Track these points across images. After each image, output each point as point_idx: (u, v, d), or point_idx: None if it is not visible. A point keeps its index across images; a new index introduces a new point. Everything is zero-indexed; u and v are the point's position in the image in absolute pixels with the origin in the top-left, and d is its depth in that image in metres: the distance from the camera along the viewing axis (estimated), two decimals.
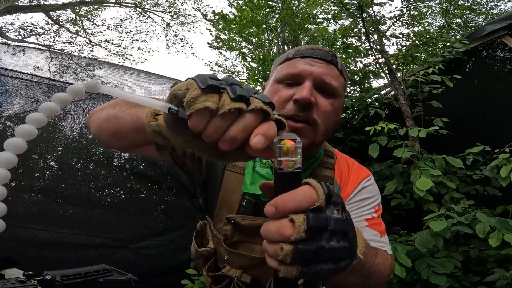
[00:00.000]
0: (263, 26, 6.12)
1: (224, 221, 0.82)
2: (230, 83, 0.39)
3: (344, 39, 3.39)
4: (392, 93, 3.08)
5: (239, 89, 0.38)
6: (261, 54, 5.97)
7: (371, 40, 3.00)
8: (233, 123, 0.38)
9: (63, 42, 9.30)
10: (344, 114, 3.46)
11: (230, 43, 7.37)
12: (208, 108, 0.36)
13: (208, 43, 7.44)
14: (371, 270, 0.59)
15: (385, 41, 3.24)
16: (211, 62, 8.66)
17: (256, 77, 4.79)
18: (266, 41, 6.78)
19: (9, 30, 8.42)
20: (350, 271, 0.46)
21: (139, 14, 10.39)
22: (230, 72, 7.61)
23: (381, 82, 3.50)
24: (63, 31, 9.37)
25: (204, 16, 7.83)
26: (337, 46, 3.68)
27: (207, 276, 0.87)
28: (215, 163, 0.88)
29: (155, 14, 10.41)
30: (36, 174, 2.37)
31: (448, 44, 2.78)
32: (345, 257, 0.41)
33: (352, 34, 3.38)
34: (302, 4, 6.26)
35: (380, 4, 3.18)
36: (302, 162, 0.40)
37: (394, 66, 2.99)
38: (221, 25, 7.34)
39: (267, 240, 0.40)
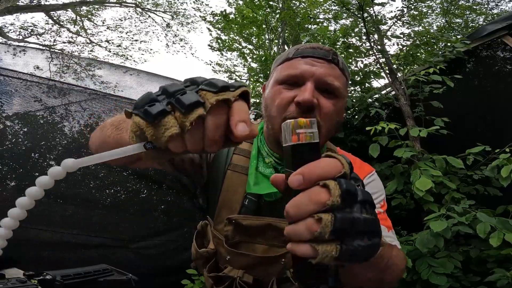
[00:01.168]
0: (264, 26, 6.12)
1: (225, 222, 0.81)
2: (172, 94, 0.38)
3: (345, 39, 3.39)
4: (393, 93, 3.07)
5: (185, 97, 0.36)
6: (261, 54, 5.97)
7: (372, 40, 2.99)
8: (205, 128, 0.37)
9: (64, 42, 9.31)
10: (344, 114, 3.46)
11: (231, 43, 7.37)
12: (173, 135, 0.36)
13: (208, 45, 7.45)
14: (389, 264, 0.57)
15: (385, 41, 3.24)
16: (212, 62, 8.67)
17: (256, 77, 4.79)
18: (267, 41, 6.78)
19: (10, 30, 8.43)
20: (368, 265, 0.44)
21: (139, 14, 10.39)
22: (230, 72, 7.62)
23: (382, 82, 3.50)
24: (64, 31, 9.38)
25: (203, 18, 7.83)
26: (337, 46, 3.67)
27: (208, 277, 0.86)
28: (216, 165, 0.88)
29: (155, 14, 10.41)
30: (36, 174, 2.37)
31: (449, 44, 2.77)
32: (377, 230, 0.38)
33: (353, 34, 3.37)
34: (303, 4, 6.26)
35: (381, 4, 3.18)
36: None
37: (394, 66, 2.98)
38: (221, 25, 7.34)
39: (296, 217, 0.35)
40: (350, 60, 3.29)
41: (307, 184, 0.35)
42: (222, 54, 7.62)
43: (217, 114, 0.37)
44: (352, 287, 0.55)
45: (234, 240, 0.81)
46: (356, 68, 3.36)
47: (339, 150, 0.91)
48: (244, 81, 6.58)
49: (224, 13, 6.97)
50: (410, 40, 3.06)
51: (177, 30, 10.77)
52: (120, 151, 0.40)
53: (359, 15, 2.92)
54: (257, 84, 4.81)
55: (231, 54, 7.66)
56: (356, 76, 3.27)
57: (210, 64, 7.81)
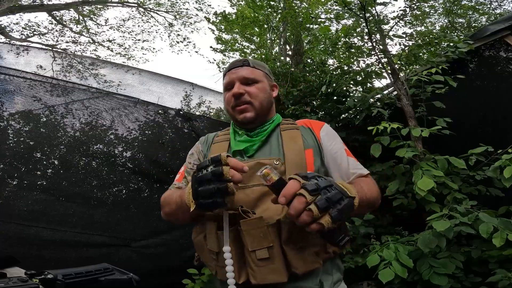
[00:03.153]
0: (265, 26, 6.12)
1: None
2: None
3: (347, 38, 3.38)
4: (395, 93, 3.07)
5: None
6: (263, 53, 5.96)
7: (374, 40, 2.99)
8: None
9: (67, 42, 9.34)
10: (346, 114, 3.45)
11: (233, 43, 7.38)
12: None
13: (211, 47, 7.48)
14: (368, 199, 0.89)
15: (387, 41, 3.23)
16: (215, 60, 8.69)
17: None
18: (268, 40, 6.77)
19: (13, 29, 8.46)
20: (358, 208, 0.74)
21: (142, 13, 10.41)
22: None
23: (384, 82, 3.49)
24: (67, 30, 9.41)
25: (208, 19, 7.84)
26: (339, 46, 3.66)
27: (211, 223, 0.89)
28: None
29: (157, 13, 10.43)
30: (38, 173, 2.38)
31: (451, 44, 2.76)
32: (342, 197, 0.67)
33: (355, 34, 3.37)
34: (304, 4, 6.25)
35: (383, 4, 3.17)
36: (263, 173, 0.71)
37: (396, 66, 2.98)
38: (223, 26, 7.34)
39: (296, 214, 0.65)
40: (352, 60, 3.29)
41: (289, 199, 0.67)
42: (224, 55, 7.64)
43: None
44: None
45: None
46: (358, 68, 3.35)
47: (299, 122, 1.15)
48: None
49: (224, 13, 6.98)
50: (413, 40, 3.06)
51: (180, 30, 10.76)
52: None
53: (361, 15, 2.92)
54: None
55: (233, 54, 7.68)
56: (358, 76, 3.26)
57: (213, 63, 7.85)
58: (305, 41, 5.48)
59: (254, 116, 1.06)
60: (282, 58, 5.61)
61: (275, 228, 0.82)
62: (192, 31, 10.93)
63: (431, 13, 7.89)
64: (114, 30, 10.13)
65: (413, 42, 3.03)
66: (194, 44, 13.95)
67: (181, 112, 3.22)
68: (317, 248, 0.85)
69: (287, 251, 0.81)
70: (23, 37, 8.63)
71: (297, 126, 1.11)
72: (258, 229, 0.81)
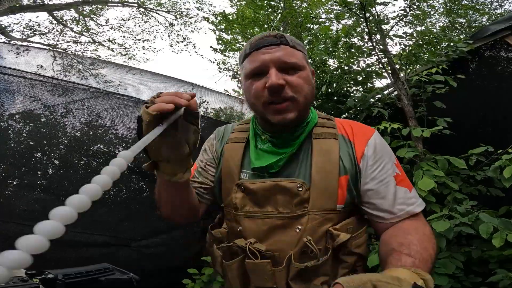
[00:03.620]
0: (265, 26, 6.11)
1: (234, 189, 0.85)
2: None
3: (347, 38, 3.38)
4: (395, 93, 3.06)
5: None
6: None
7: (374, 39, 2.98)
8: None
9: (68, 42, 9.34)
10: (346, 114, 3.45)
11: (233, 43, 7.38)
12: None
13: (211, 47, 7.49)
14: (430, 261, 0.66)
15: (388, 40, 3.22)
16: (216, 60, 8.72)
17: None
18: None
19: (13, 29, 8.46)
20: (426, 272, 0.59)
21: (142, 13, 10.41)
22: (234, 71, 7.64)
23: (384, 82, 3.48)
24: (67, 30, 9.41)
25: (207, 19, 7.85)
26: (339, 46, 3.66)
27: (218, 249, 0.87)
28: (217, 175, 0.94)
29: (157, 13, 10.43)
30: (39, 172, 2.38)
31: (452, 44, 2.76)
32: None
33: (355, 34, 3.36)
34: (305, 4, 6.25)
35: (384, 4, 3.17)
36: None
37: (397, 66, 2.97)
38: (223, 25, 7.35)
39: None
40: (352, 60, 3.29)
41: None
42: (224, 55, 7.65)
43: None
44: None
45: (243, 210, 0.83)
46: (358, 68, 3.35)
47: (337, 120, 0.93)
48: None
49: (224, 13, 6.98)
50: (413, 40, 3.05)
51: (181, 29, 10.77)
52: (151, 135, 0.56)
53: (361, 15, 2.91)
54: None
55: (233, 54, 7.69)
56: (358, 76, 3.26)
57: (214, 62, 7.87)
58: (306, 41, 5.48)
59: (296, 118, 0.80)
60: None
61: (283, 271, 0.76)
62: (192, 31, 10.93)
63: (431, 13, 7.89)
64: (114, 30, 10.13)
65: (414, 42, 3.02)
66: (194, 44, 13.93)
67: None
68: (326, 278, 0.77)
69: (293, 286, 0.77)
70: (24, 37, 8.64)
71: (336, 133, 0.85)
72: (263, 271, 0.76)
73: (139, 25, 10.58)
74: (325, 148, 0.82)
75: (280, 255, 0.78)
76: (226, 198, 0.88)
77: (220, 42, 7.49)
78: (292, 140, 0.84)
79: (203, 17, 8.18)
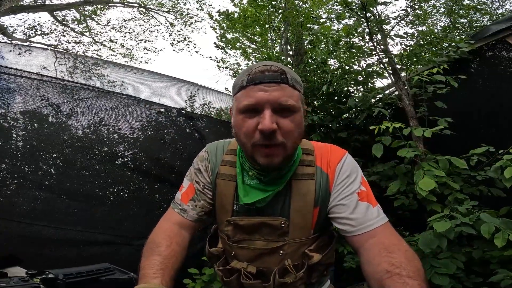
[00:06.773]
0: (266, 25, 6.12)
1: (225, 223, 0.96)
2: None
3: (348, 38, 3.37)
4: (396, 93, 3.06)
5: None
6: (265, 53, 5.96)
7: (375, 40, 2.98)
8: None
9: (69, 42, 9.35)
10: (347, 114, 3.45)
11: (235, 42, 7.40)
12: None
13: (214, 43, 7.51)
14: (426, 280, 0.68)
15: (389, 40, 3.22)
16: (216, 58, 8.76)
17: None
18: (269, 40, 6.77)
19: (15, 30, 8.47)
20: None
21: (143, 14, 10.42)
22: (234, 71, 7.65)
23: (385, 82, 3.48)
24: (69, 30, 9.42)
25: (211, 16, 7.87)
26: (340, 46, 3.65)
27: (219, 270, 1.01)
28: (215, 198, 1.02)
29: (158, 14, 10.43)
30: (40, 172, 2.38)
31: (453, 44, 2.75)
32: None
33: (356, 34, 3.36)
34: (306, 3, 6.25)
35: (385, 4, 3.16)
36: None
37: (398, 66, 2.97)
38: (225, 24, 7.38)
39: None
40: (353, 60, 3.28)
41: None
42: (226, 52, 7.67)
43: None
44: None
45: (235, 238, 0.96)
46: (359, 68, 3.35)
47: (314, 144, 0.99)
48: None
49: (227, 12, 7.00)
50: (414, 40, 3.05)
51: (181, 29, 10.77)
52: None
53: (362, 15, 2.91)
54: None
55: (234, 52, 7.70)
56: (359, 76, 3.26)
57: (214, 60, 7.88)
58: (306, 40, 5.48)
59: (281, 162, 0.82)
60: (283, 58, 5.61)
61: (271, 285, 0.92)
62: (192, 31, 10.94)
63: (432, 13, 7.88)
64: (116, 30, 10.14)
65: (415, 42, 3.01)
66: (194, 44, 13.94)
67: (182, 111, 3.22)
68: (302, 286, 0.95)
69: None
70: (26, 37, 8.65)
71: (313, 173, 0.91)
72: (256, 287, 0.93)
73: (140, 25, 10.60)
74: (302, 192, 0.90)
75: (267, 271, 0.95)
76: (220, 224, 1.01)
77: (222, 40, 7.51)
78: (279, 178, 0.89)
79: (208, 13, 8.22)
